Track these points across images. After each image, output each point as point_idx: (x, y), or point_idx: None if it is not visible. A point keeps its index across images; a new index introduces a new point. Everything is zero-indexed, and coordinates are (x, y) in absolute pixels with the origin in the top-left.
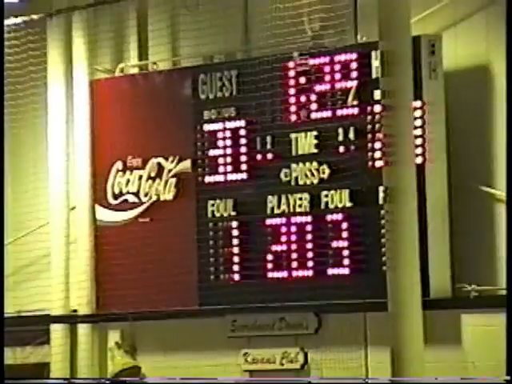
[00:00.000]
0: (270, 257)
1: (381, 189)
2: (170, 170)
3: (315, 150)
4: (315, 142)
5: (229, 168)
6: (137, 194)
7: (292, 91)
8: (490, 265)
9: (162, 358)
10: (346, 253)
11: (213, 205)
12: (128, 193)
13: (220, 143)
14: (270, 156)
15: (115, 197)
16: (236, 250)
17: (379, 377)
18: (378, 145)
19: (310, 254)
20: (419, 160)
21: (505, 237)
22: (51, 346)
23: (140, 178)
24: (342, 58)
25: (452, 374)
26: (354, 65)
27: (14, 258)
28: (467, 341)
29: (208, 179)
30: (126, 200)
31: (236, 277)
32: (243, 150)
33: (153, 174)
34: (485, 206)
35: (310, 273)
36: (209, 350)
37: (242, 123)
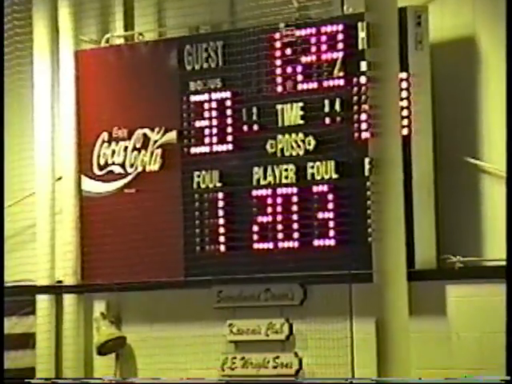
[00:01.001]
0: (255, 228)
1: (366, 160)
2: (155, 141)
3: (301, 122)
4: (301, 113)
5: (214, 139)
6: (122, 165)
7: (278, 62)
8: (476, 236)
9: (147, 329)
10: (331, 224)
11: (198, 176)
12: (114, 164)
13: (206, 114)
14: (255, 127)
15: (101, 168)
16: (222, 221)
17: (364, 347)
18: (363, 116)
19: (295, 226)
20: (405, 131)
21: (490, 208)
22: (37, 316)
23: (125, 148)
24: (328, 29)
25: (436, 345)
26: (340, 36)
27: None
28: (452, 312)
29: (194, 150)
30: (111, 171)
31: (222, 248)
32: (229, 121)
33: (138, 145)
34: (470, 178)
35: (295, 244)
36: (194, 320)
37: (227, 94)
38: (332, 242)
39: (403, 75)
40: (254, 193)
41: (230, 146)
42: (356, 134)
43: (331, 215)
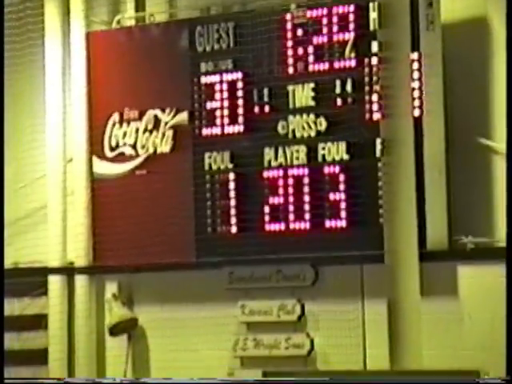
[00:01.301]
0: (267, 209)
1: (378, 141)
2: (166, 123)
3: (312, 103)
4: (312, 94)
5: (226, 120)
6: (134, 147)
7: (289, 43)
8: (487, 217)
9: (159, 310)
10: (343, 205)
11: (210, 157)
12: (125, 145)
13: (217, 95)
14: (267, 108)
15: (112, 149)
16: (233, 202)
17: (375, 328)
18: (375, 97)
19: (307, 207)
20: (416, 112)
21: (502, 189)
22: (49, 297)
23: (137, 130)
24: (340, 10)
25: (448, 326)
26: (351, 17)
27: (11, 210)
28: (463, 293)
29: (205, 131)
30: (122, 152)
31: (233, 229)
32: (240, 102)
33: (150, 127)
34: (482, 158)
35: (307, 225)
36: (206, 302)
37: (239, 75)
38: (343, 223)
39: (415, 56)
40: (266, 174)
41: (242, 127)
42: (367, 115)
43: (343, 196)
